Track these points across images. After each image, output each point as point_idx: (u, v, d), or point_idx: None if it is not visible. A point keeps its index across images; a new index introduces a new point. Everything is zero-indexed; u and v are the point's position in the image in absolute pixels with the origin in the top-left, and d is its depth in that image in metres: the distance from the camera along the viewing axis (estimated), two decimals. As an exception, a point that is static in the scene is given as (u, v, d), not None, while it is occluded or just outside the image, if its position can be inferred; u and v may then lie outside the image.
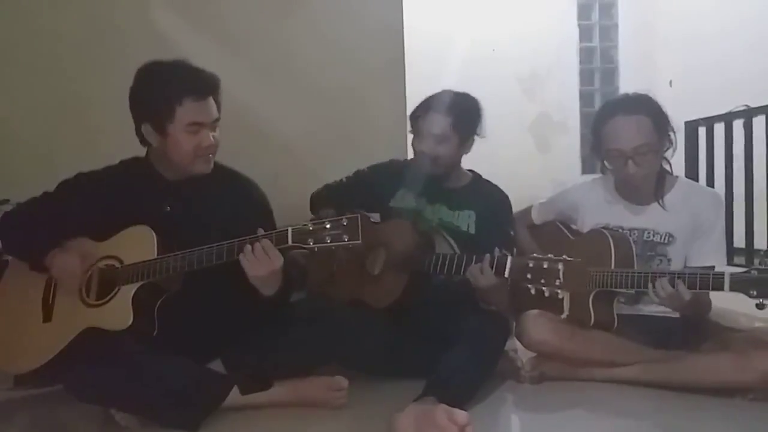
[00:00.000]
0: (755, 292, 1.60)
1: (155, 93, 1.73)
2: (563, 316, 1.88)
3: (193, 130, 1.72)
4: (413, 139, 2.16)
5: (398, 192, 2.22)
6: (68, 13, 2.75)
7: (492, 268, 1.83)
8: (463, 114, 2.11)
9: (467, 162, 2.29)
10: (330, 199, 2.22)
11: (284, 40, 2.98)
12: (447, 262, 1.96)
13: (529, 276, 1.66)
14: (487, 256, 1.85)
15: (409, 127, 2.19)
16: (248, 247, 1.61)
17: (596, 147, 2.01)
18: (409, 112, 2.19)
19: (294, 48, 2.99)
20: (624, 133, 1.89)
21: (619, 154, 1.91)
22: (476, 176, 2.26)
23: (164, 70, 1.76)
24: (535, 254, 1.75)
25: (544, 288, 1.68)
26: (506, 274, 1.79)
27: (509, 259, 1.81)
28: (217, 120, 1.78)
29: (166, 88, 1.72)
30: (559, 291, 1.70)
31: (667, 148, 1.96)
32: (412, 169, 2.20)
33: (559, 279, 1.61)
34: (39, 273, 1.77)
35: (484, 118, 2.16)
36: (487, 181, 2.26)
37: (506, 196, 2.24)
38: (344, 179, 2.33)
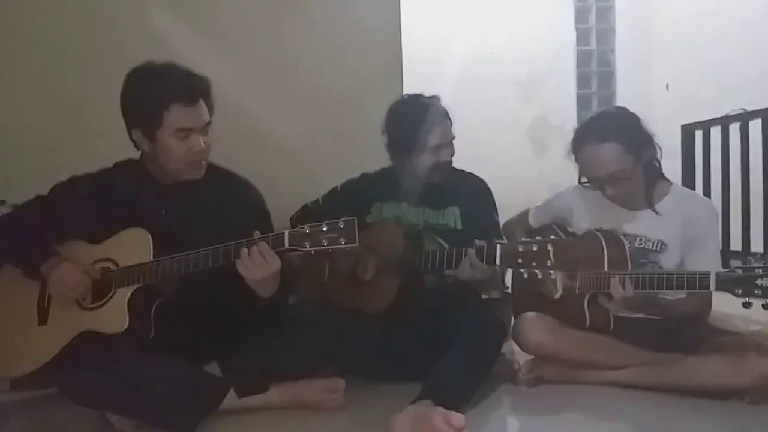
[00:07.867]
0: (740, 291, 1.59)
1: (143, 99, 1.70)
2: (556, 296, 1.87)
3: (183, 135, 1.69)
4: (421, 157, 2.09)
5: (373, 206, 2.21)
6: (67, 14, 2.75)
7: (482, 259, 1.80)
8: (447, 112, 2.13)
9: (467, 165, 2.29)
10: (309, 219, 2.21)
11: (282, 42, 2.98)
12: (437, 258, 1.94)
13: (520, 261, 1.65)
14: (471, 249, 1.82)
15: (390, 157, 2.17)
16: (245, 251, 1.59)
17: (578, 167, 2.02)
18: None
19: (292, 51, 2.99)
20: (595, 162, 1.91)
21: (594, 179, 1.94)
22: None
23: (152, 74, 1.72)
24: (524, 238, 1.75)
25: (536, 271, 1.66)
26: (497, 262, 1.77)
27: (498, 246, 1.79)
28: (209, 124, 1.74)
29: (154, 94, 1.68)
30: (551, 272, 1.70)
31: (653, 157, 1.94)
32: (407, 181, 2.17)
33: (551, 260, 1.59)
34: (33, 280, 1.75)
35: None
36: (461, 170, 2.25)
37: (484, 183, 2.24)
38: (320, 199, 2.32)
